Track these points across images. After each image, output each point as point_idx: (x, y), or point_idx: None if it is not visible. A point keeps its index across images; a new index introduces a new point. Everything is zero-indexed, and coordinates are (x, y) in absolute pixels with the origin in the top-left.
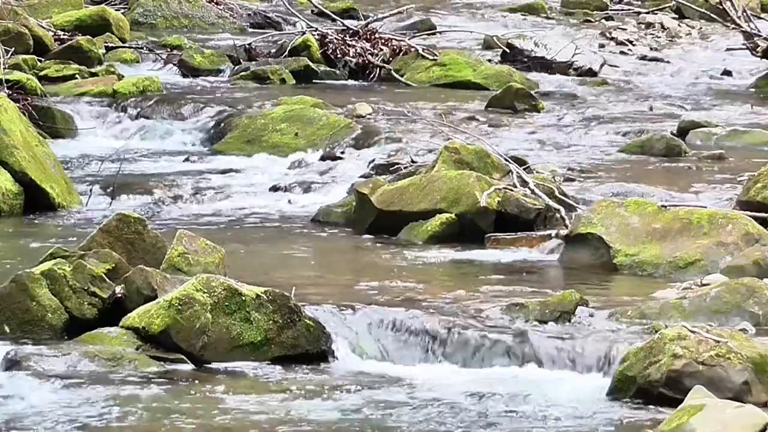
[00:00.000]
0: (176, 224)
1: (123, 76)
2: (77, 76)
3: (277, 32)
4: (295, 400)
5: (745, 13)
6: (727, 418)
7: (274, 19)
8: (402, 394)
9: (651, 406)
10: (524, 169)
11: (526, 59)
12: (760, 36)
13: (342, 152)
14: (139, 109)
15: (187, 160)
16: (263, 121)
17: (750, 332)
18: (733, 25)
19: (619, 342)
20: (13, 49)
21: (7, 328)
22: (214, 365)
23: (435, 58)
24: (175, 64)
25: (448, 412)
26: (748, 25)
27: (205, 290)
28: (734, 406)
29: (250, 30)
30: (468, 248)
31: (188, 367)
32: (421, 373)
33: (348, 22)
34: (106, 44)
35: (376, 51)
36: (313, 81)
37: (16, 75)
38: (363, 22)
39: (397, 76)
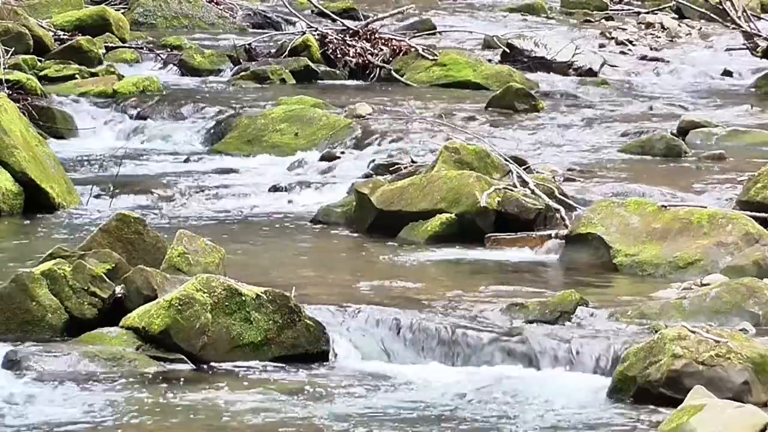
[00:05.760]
0: (176, 224)
1: (123, 76)
2: (77, 76)
3: (277, 32)
4: (295, 400)
5: (745, 13)
6: (727, 418)
7: (274, 19)
8: (402, 394)
9: (651, 406)
10: (524, 169)
11: (526, 59)
12: (760, 36)
13: (342, 152)
14: (139, 109)
15: (187, 160)
16: (263, 121)
17: (750, 332)
18: (733, 25)
19: (619, 342)
20: (13, 49)
21: None
22: (214, 365)
23: (435, 58)
24: (175, 64)
25: (447, 412)
26: (748, 25)
27: (205, 290)
28: (734, 406)
29: (250, 30)
30: (468, 248)
31: (188, 367)
32: (421, 373)
33: (348, 22)
34: (106, 44)
35: (376, 51)
36: (313, 81)
37: (16, 75)
38: (363, 22)
39: (397, 76)
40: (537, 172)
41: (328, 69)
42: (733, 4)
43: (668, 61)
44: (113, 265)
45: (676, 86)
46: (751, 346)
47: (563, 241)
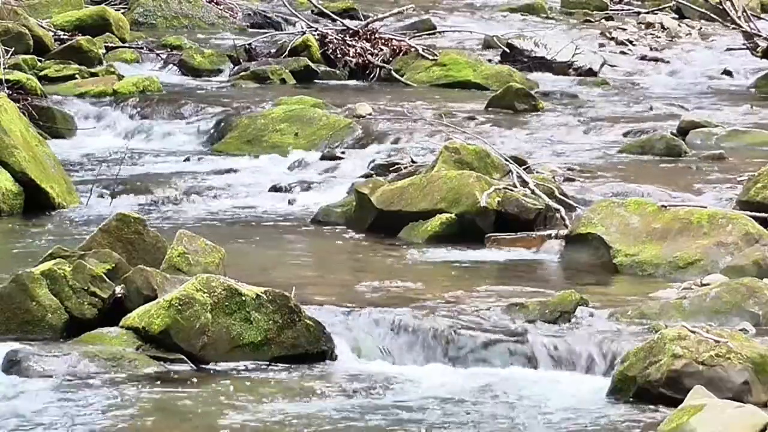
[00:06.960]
0: (176, 224)
1: (123, 76)
2: (77, 76)
3: (277, 32)
4: (295, 400)
5: (745, 13)
6: (727, 418)
7: (274, 19)
8: (401, 394)
9: (651, 406)
10: (524, 169)
11: (526, 59)
12: (760, 36)
13: (342, 152)
14: (139, 109)
15: (187, 160)
16: (263, 121)
17: (750, 332)
18: (733, 25)
19: (619, 342)
20: (13, 49)
21: None
22: (214, 365)
23: (435, 58)
24: (175, 64)
25: (447, 413)
26: (748, 25)
27: (205, 290)
28: (734, 406)
29: (250, 30)
30: (468, 248)
31: (188, 367)
32: (421, 373)
33: (348, 22)
34: (106, 44)
35: (376, 51)
36: (313, 81)
37: (16, 75)
38: (363, 22)
39: (397, 76)
40: (537, 172)
41: (328, 69)
42: (733, 4)
43: (668, 61)
44: (113, 265)
45: (676, 86)
46: (751, 346)
47: (563, 241)
